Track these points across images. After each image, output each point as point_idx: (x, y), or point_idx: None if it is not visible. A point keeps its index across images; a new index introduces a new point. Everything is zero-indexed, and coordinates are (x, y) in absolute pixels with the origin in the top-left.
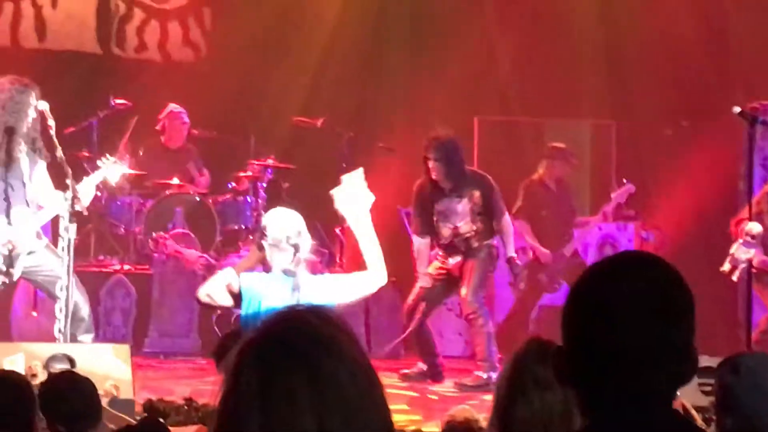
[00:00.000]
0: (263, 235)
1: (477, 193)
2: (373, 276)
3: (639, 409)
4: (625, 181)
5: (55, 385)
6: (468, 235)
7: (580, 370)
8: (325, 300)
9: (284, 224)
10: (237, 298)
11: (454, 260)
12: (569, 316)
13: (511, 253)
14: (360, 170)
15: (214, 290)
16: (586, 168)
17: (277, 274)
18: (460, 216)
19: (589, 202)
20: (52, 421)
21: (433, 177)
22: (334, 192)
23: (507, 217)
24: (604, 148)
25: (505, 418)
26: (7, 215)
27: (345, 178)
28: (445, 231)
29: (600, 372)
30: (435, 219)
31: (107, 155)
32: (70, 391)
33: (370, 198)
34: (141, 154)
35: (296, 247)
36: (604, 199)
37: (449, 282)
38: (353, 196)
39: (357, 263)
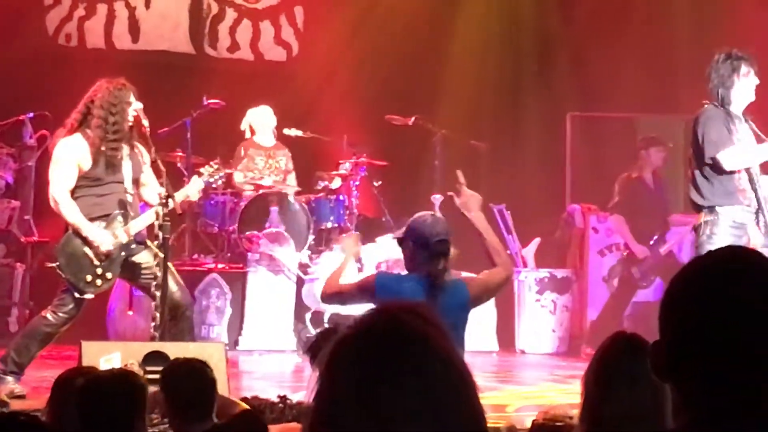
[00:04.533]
0: (411, 233)
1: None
2: (505, 270)
3: (749, 412)
4: None
5: (181, 369)
6: None
7: (683, 364)
8: (463, 299)
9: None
10: (371, 295)
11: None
12: (677, 304)
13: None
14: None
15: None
16: (679, 163)
17: (413, 274)
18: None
19: (683, 198)
20: (172, 403)
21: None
22: (456, 198)
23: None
24: None
25: (593, 413)
26: (107, 219)
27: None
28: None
29: (707, 367)
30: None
31: (212, 163)
32: (194, 376)
33: (479, 198)
34: (242, 155)
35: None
36: None
37: None
38: (473, 199)
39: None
